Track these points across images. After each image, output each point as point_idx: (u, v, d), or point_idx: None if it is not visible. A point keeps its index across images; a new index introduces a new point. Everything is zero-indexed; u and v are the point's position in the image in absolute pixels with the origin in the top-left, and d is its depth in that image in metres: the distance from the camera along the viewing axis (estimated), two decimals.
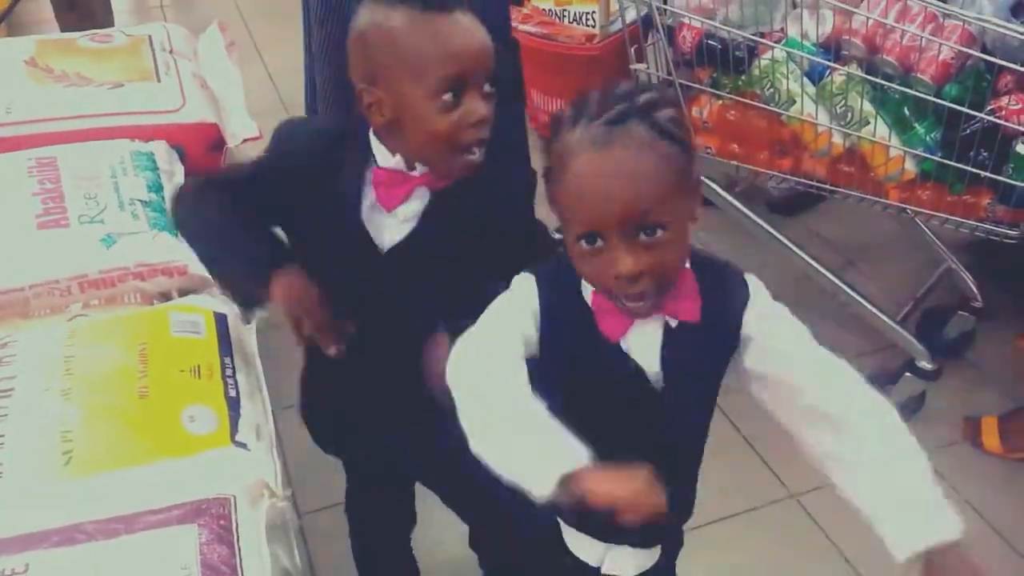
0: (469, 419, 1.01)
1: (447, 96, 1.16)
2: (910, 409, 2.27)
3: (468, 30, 1.18)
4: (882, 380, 2.28)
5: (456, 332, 1.14)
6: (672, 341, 1.09)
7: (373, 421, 1.41)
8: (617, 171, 0.97)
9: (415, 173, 1.23)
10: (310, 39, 2.23)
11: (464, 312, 1.17)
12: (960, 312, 2.41)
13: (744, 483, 2.12)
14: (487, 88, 1.19)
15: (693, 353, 1.11)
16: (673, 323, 1.08)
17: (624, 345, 1.09)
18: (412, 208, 1.25)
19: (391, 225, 1.26)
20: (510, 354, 1.06)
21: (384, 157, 1.24)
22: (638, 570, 1.26)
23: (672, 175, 0.99)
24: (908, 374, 2.22)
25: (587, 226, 0.99)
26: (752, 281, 1.14)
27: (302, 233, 1.28)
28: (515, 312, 1.10)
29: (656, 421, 1.13)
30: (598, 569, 1.25)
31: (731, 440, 2.20)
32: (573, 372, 1.12)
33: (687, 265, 1.09)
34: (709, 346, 1.12)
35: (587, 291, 1.09)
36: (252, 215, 1.25)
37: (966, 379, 2.38)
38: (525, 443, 0.97)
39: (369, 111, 1.22)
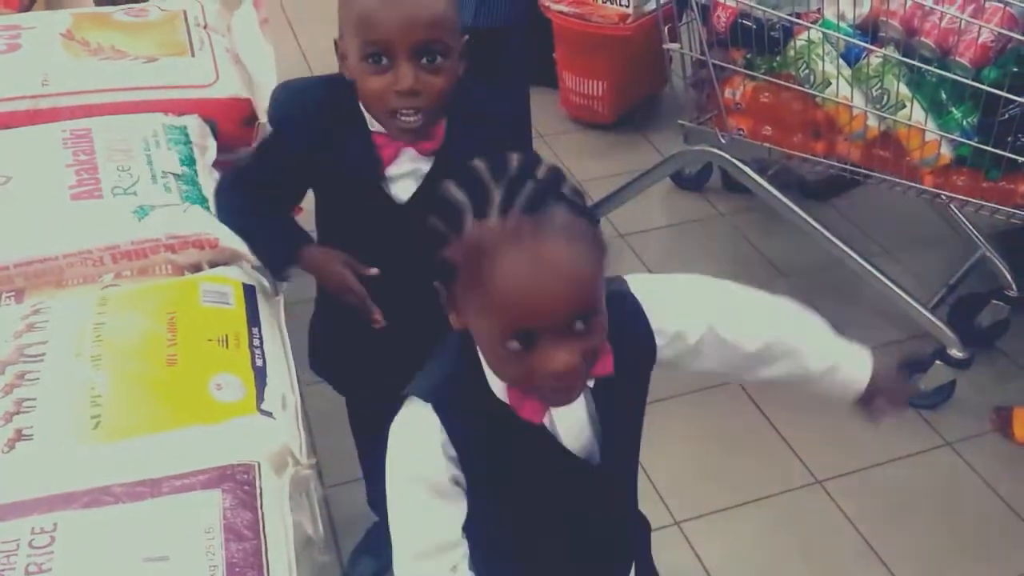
0: None
1: (371, 60, 1.20)
2: (940, 398, 2.25)
3: (411, 2, 1.18)
4: (912, 368, 2.25)
5: None
6: (597, 400, 1.04)
7: (384, 369, 1.44)
8: (556, 266, 0.88)
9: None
10: None
11: None
12: (994, 300, 2.38)
13: (771, 468, 2.11)
14: (425, 60, 1.20)
15: (619, 400, 1.06)
16: (591, 383, 1.02)
17: (548, 422, 1.03)
18: (403, 167, 1.31)
19: (400, 180, 1.33)
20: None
21: (372, 120, 1.31)
22: None
23: (598, 253, 0.92)
24: (939, 362, 2.20)
25: (521, 327, 0.89)
26: (635, 288, 1.08)
27: (324, 188, 1.38)
28: (430, 481, 1.01)
29: (596, 484, 1.09)
30: None
31: (759, 426, 2.20)
32: (502, 472, 1.04)
33: None
34: (630, 384, 1.08)
35: (498, 388, 1.00)
36: (277, 198, 1.46)
37: (998, 369, 2.36)
38: None
39: (341, 62, 1.29)
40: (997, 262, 2.40)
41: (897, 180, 2.06)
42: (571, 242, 0.88)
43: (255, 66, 2.21)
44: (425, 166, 1.32)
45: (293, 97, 1.42)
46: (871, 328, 2.49)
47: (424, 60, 1.20)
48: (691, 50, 2.22)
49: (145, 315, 1.43)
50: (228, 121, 2.02)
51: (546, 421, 1.02)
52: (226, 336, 1.41)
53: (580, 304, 0.89)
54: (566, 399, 0.97)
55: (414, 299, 1.34)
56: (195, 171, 1.82)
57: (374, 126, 1.31)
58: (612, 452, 1.07)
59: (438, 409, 0.99)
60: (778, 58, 2.08)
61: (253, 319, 1.48)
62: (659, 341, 1.07)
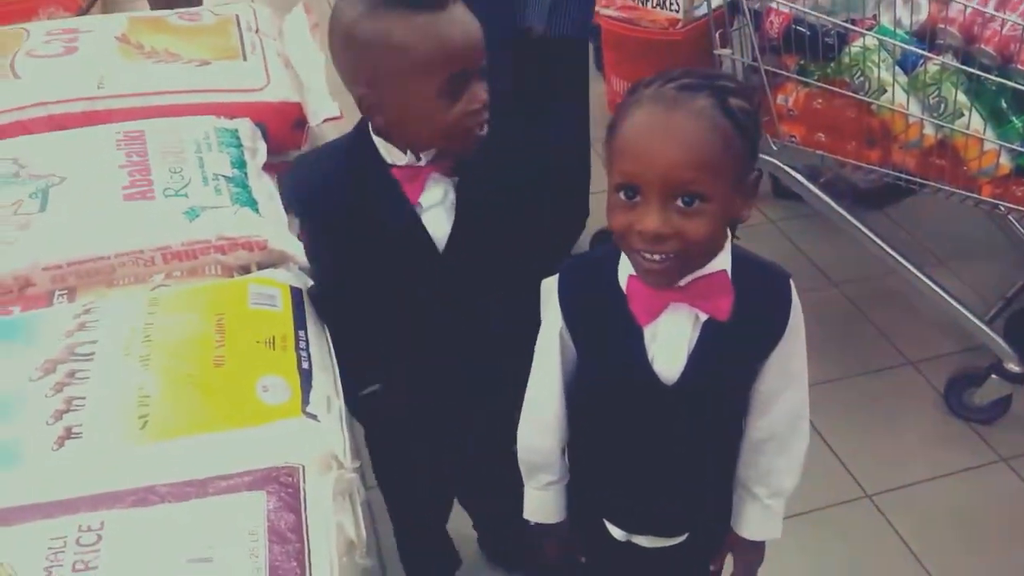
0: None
1: (452, 91, 1.18)
2: (995, 413, 2.20)
3: (463, 23, 1.18)
4: (967, 382, 2.21)
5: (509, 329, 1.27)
6: (704, 338, 1.09)
7: (431, 419, 1.49)
8: (672, 131, 0.97)
9: (422, 163, 1.27)
10: None
11: (518, 307, 1.28)
12: None
13: (820, 481, 2.07)
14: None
15: (722, 353, 1.10)
16: (703, 318, 1.08)
17: (651, 333, 1.09)
18: (434, 196, 1.29)
19: (432, 220, 1.30)
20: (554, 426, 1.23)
21: (395, 155, 1.27)
22: (657, 545, 1.31)
23: (725, 155, 0.98)
24: (994, 376, 2.15)
25: (628, 178, 1.00)
26: (794, 291, 1.14)
27: (366, 256, 1.33)
28: (550, 344, 1.18)
29: (666, 417, 1.15)
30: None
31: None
32: (597, 360, 1.15)
33: (727, 266, 1.08)
34: (740, 349, 1.12)
35: (623, 276, 1.10)
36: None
37: None
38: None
39: (371, 112, 1.25)
40: None
41: (954, 190, 2.01)
42: (697, 122, 0.97)
43: (305, 70, 2.23)
44: (451, 190, 1.30)
45: (307, 175, 1.42)
46: (925, 340, 2.44)
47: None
48: (743, 56, 2.20)
49: (194, 316, 1.44)
50: (278, 124, 2.04)
51: (648, 333, 1.09)
52: (273, 338, 1.41)
53: (681, 176, 0.97)
54: (654, 276, 1.04)
55: (460, 339, 1.36)
56: (246, 174, 1.83)
57: (391, 156, 1.28)
58: (689, 384, 1.11)
59: (561, 281, 1.15)
60: (832, 64, 2.05)
61: (300, 322, 1.48)
62: (783, 344, 1.13)
